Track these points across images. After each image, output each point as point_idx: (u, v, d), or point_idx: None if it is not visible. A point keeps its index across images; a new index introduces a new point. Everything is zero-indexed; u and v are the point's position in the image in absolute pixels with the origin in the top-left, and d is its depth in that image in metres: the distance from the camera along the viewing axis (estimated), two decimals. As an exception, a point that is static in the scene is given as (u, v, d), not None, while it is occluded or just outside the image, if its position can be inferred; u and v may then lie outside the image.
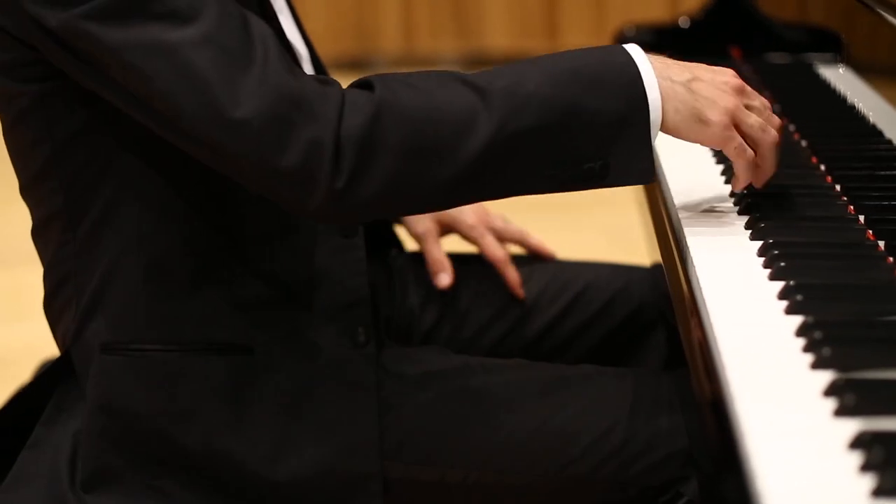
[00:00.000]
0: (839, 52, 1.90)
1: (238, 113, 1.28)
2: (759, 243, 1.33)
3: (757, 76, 2.03)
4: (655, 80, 1.32)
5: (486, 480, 1.49)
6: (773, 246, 1.31)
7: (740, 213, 1.42)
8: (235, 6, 1.33)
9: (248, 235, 1.46)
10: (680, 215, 1.43)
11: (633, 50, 1.34)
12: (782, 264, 1.26)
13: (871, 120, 1.68)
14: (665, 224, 1.46)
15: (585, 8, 5.15)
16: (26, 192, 1.48)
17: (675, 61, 1.36)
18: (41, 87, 1.39)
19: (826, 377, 1.05)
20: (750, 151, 1.34)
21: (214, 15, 1.30)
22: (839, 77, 1.90)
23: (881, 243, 1.32)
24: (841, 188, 1.49)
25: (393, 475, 1.49)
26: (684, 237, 1.37)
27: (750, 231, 1.37)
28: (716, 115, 1.32)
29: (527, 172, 1.33)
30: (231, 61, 1.29)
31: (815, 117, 1.80)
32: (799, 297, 1.19)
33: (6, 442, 1.50)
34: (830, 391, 1.03)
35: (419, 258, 1.83)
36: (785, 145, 1.68)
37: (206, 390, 1.45)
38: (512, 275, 1.76)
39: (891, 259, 1.28)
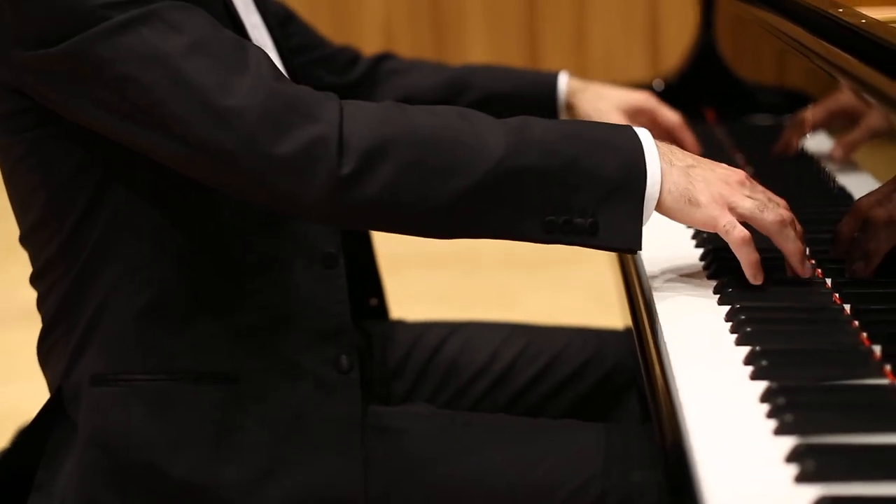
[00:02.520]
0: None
1: (230, 102, 1.31)
2: (726, 308, 1.35)
3: (730, 138, 2.06)
4: (658, 159, 1.35)
5: None
6: (740, 311, 1.33)
7: (709, 277, 1.44)
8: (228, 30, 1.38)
9: (235, 267, 1.49)
10: (650, 278, 1.45)
11: (642, 132, 1.38)
12: (748, 329, 1.28)
13: (841, 182, 1.70)
14: (635, 287, 1.47)
15: (567, 67, 5.18)
16: (26, 240, 1.52)
17: (684, 151, 1.40)
18: (33, 135, 1.43)
19: (789, 443, 1.07)
20: (740, 230, 1.34)
21: (204, 27, 1.34)
22: (812, 139, 1.92)
23: (847, 307, 1.34)
24: (809, 251, 1.51)
25: None
26: (653, 301, 1.39)
27: (718, 296, 1.38)
28: (706, 198, 1.35)
29: (522, 212, 1.34)
30: (223, 67, 1.33)
31: (786, 180, 1.81)
32: (764, 363, 1.20)
33: (15, 486, 1.51)
34: (792, 457, 1.04)
35: (398, 324, 1.86)
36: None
37: (194, 418, 1.48)
38: (689, 138, 1.94)
39: (856, 323, 1.30)
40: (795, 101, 1.94)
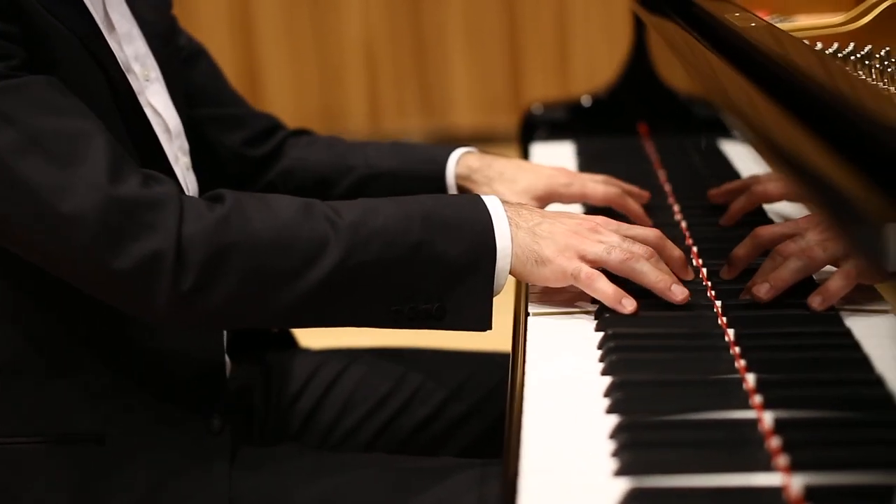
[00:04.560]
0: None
1: (64, 209, 1.25)
2: (601, 334, 1.25)
3: (657, 154, 1.97)
4: (508, 229, 1.30)
5: None
6: (611, 337, 1.23)
7: (594, 301, 1.33)
8: (70, 108, 1.29)
9: (94, 327, 1.41)
10: (531, 301, 1.36)
11: (490, 201, 1.33)
12: (614, 358, 1.18)
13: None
14: (520, 309, 1.38)
15: (551, 83, 5.10)
16: None
17: (532, 209, 1.35)
18: None
19: (625, 486, 0.97)
20: (586, 271, 1.30)
21: (39, 113, 1.27)
22: (743, 153, 1.82)
23: (730, 332, 1.24)
24: (706, 273, 1.41)
25: None
26: (527, 325, 1.30)
27: (596, 321, 1.29)
28: (551, 252, 1.31)
29: (366, 305, 1.31)
30: (57, 166, 1.26)
31: (701, 196, 1.72)
32: (620, 395, 1.10)
33: None
34: (624, 503, 0.94)
35: (300, 354, 1.77)
36: (663, 226, 1.61)
37: (54, 483, 1.39)
38: (632, 207, 1.62)
39: (736, 349, 1.20)
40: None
